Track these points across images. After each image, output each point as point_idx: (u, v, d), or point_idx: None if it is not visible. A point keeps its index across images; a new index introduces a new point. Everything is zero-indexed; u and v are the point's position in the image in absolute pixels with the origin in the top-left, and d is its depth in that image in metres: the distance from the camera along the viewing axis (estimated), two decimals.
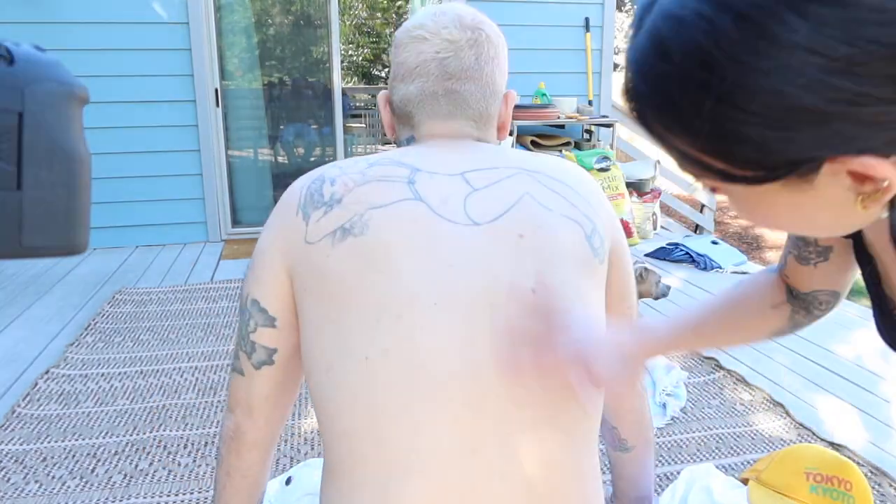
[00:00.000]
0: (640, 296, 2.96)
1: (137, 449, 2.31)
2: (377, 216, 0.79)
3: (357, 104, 10.34)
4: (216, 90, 4.90)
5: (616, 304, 0.94)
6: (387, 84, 0.98)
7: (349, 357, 0.77)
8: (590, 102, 5.57)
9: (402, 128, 0.95)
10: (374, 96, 11.16)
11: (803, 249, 0.80)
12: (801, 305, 0.85)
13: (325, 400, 0.79)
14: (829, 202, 0.48)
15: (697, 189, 5.94)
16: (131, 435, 2.40)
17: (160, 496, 2.08)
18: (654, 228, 5.37)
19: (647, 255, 4.62)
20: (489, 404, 0.76)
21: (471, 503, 0.76)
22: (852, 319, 3.47)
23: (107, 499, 2.06)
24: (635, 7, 0.50)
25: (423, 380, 0.75)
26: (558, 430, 0.78)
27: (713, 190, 0.53)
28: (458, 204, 0.82)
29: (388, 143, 9.66)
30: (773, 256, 6.59)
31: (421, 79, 0.90)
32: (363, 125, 9.89)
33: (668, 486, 1.98)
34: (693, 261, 4.45)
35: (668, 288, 2.98)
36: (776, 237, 7.28)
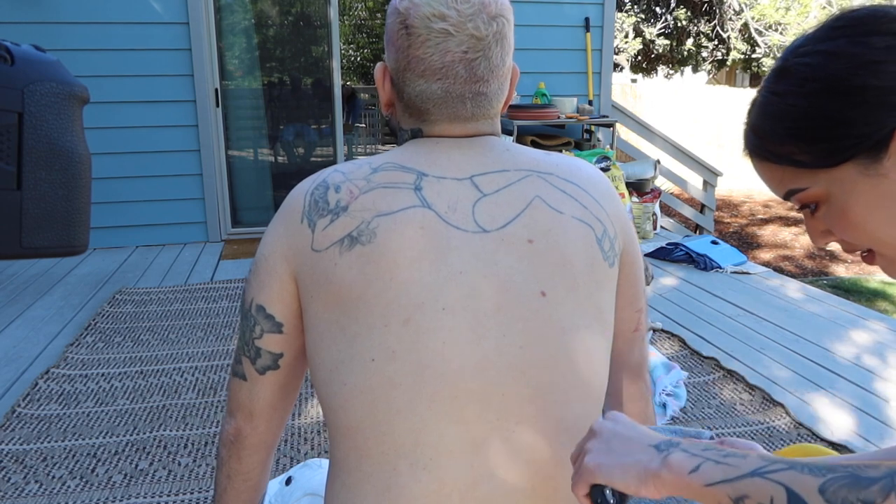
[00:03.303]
0: None
1: (137, 449, 2.32)
2: (384, 224, 0.79)
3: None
4: (216, 90, 4.90)
5: (626, 306, 0.93)
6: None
7: (356, 359, 0.77)
8: (590, 102, 5.57)
9: (409, 118, 0.89)
10: (374, 96, 11.16)
11: None
12: None
13: (331, 396, 0.80)
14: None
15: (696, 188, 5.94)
16: (131, 435, 2.40)
17: (160, 496, 2.08)
18: (654, 228, 5.37)
19: (647, 255, 4.62)
20: (493, 402, 0.77)
21: (473, 499, 0.76)
22: (851, 319, 3.47)
23: (107, 499, 2.06)
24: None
25: (428, 378, 0.76)
26: (561, 429, 0.79)
27: (810, 209, 0.64)
28: (466, 210, 0.81)
29: (389, 143, 9.67)
30: (770, 256, 6.59)
31: (447, 80, 0.84)
32: (363, 125, 9.93)
33: None
34: (693, 261, 4.45)
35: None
36: (773, 237, 7.28)
